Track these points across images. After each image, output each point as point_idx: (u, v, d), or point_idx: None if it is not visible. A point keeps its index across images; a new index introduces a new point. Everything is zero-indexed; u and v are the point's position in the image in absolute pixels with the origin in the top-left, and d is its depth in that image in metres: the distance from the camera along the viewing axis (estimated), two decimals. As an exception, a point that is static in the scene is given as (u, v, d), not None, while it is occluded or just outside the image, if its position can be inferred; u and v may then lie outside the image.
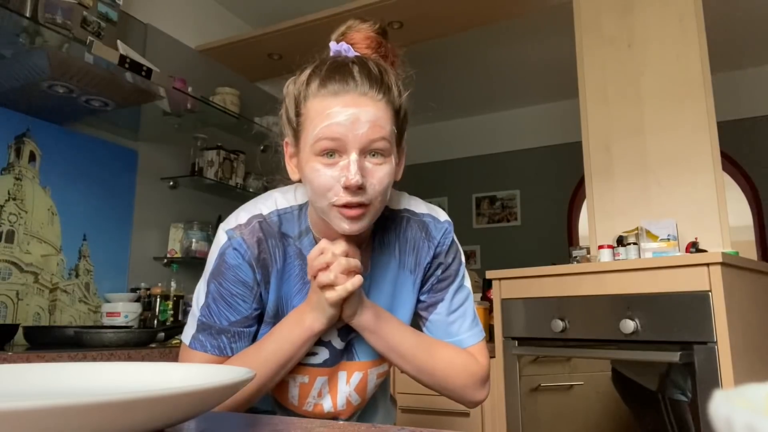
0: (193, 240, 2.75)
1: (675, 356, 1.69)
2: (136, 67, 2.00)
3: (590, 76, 2.53)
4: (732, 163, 4.03)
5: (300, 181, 0.96)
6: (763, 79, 4.03)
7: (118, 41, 2.14)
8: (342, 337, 1.03)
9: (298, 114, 0.92)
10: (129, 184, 2.64)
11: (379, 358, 1.06)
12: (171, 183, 2.82)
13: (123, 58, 1.96)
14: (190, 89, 2.49)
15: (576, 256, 2.33)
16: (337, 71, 0.89)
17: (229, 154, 2.92)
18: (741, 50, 3.79)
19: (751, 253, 3.78)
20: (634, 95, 2.42)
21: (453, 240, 1.09)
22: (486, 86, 4.36)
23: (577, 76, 2.56)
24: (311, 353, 1.02)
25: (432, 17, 2.78)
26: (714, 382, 1.67)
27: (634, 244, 2.17)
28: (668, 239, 2.16)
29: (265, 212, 0.98)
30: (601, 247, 2.22)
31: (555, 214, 4.57)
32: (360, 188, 0.86)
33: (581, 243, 4.22)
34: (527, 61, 3.96)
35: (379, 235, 1.06)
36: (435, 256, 1.07)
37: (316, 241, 0.99)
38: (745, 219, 4.21)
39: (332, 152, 0.87)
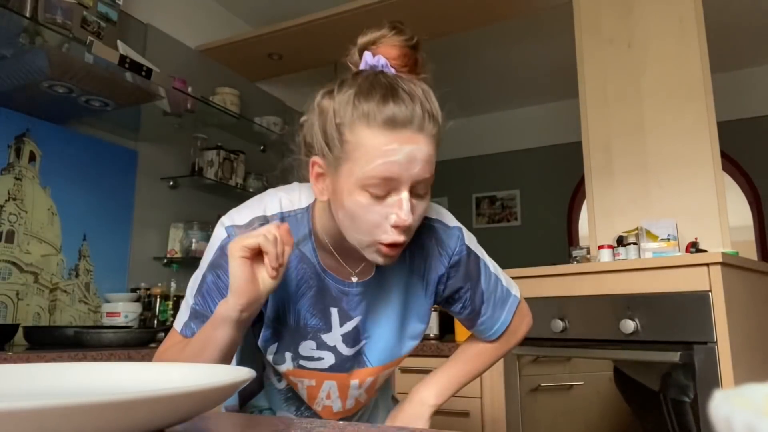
0: (193, 240, 2.75)
1: (675, 356, 1.69)
2: (136, 67, 2.00)
3: (590, 76, 2.53)
4: (732, 163, 4.03)
5: (327, 200, 0.91)
6: (763, 79, 4.03)
7: (118, 41, 2.14)
8: (348, 343, 1.01)
9: (342, 140, 0.85)
10: (129, 184, 2.64)
11: (391, 361, 1.06)
12: (171, 183, 2.82)
13: (123, 58, 1.96)
14: (190, 89, 2.49)
15: (576, 256, 2.33)
16: (391, 99, 0.83)
17: (229, 154, 2.93)
18: (741, 50, 3.79)
19: (751, 253, 3.78)
20: (634, 95, 2.42)
21: (469, 248, 1.07)
22: (486, 86, 4.36)
23: (577, 76, 2.56)
24: (316, 358, 1.00)
25: (432, 17, 2.78)
26: (714, 382, 1.67)
27: (634, 244, 2.17)
28: (668, 239, 2.16)
29: (268, 213, 0.95)
30: (601, 247, 2.22)
31: (555, 214, 4.57)
32: (409, 225, 0.84)
33: (581, 243, 4.22)
34: (527, 61, 3.96)
35: None
36: (452, 267, 1.05)
37: (316, 249, 0.97)
38: (745, 219, 4.21)
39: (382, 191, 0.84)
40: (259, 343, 1.00)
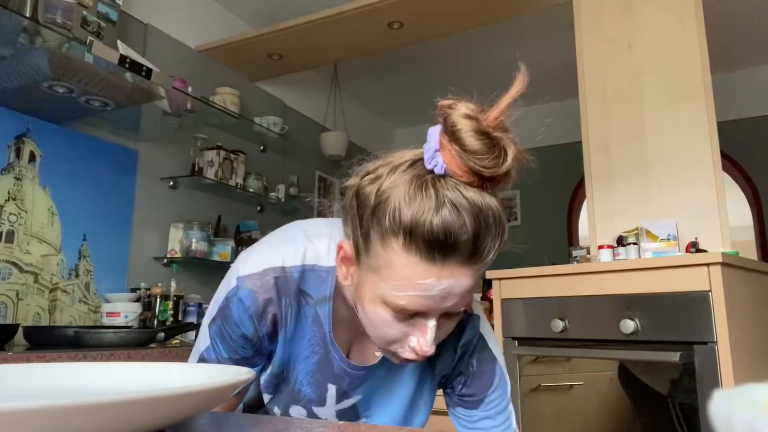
0: (193, 240, 2.75)
1: (675, 356, 1.69)
2: (136, 67, 2.00)
3: (590, 76, 2.53)
4: (732, 163, 4.03)
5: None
6: (763, 79, 4.03)
7: (118, 41, 2.14)
8: (344, 419, 0.94)
9: (371, 249, 0.73)
10: (129, 184, 2.64)
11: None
12: (171, 183, 2.82)
13: (123, 58, 1.96)
14: (190, 89, 2.50)
15: (576, 256, 2.33)
16: (441, 222, 0.67)
17: (229, 154, 2.93)
18: (741, 50, 3.79)
19: (751, 253, 3.78)
20: (634, 95, 2.42)
21: (481, 337, 0.94)
22: (486, 86, 4.35)
23: (577, 76, 2.56)
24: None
25: (432, 17, 2.78)
26: (714, 382, 1.67)
27: (634, 244, 2.17)
28: (668, 239, 2.16)
29: (287, 264, 0.84)
30: (601, 247, 2.22)
31: (555, 214, 4.57)
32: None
33: (581, 243, 4.22)
34: (527, 61, 3.95)
35: None
36: (460, 359, 0.93)
37: (332, 318, 0.87)
38: (745, 219, 4.21)
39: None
40: (261, 382, 0.95)
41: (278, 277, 0.83)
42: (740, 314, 1.79)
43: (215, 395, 0.39)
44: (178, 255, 2.73)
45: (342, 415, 0.93)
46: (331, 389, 0.90)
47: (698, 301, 1.73)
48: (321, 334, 0.87)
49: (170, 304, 2.49)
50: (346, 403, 0.92)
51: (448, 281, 0.69)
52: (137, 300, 2.40)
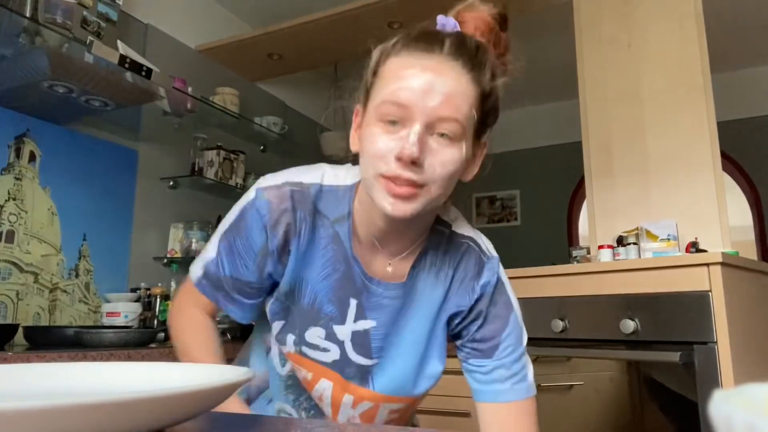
0: (193, 240, 2.75)
1: (675, 356, 1.69)
2: (136, 67, 2.00)
3: (590, 76, 2.53)
4: (732, 163, 4.03)
5: (357, 155, 0.84)
6: (763, 79, 4.03)
7: (118, 41, 2.14)
8: (357, 347, 0.91)
9: (375, 73, 0.82)
10: (129, 184, 2.64)
11: (399, 396, 0.94)
12: (171, 183, 2.82)
13: (123, 58, 1.96)
14: (190, 89, 2.49)
15: (576, 256, 2.33)
16: (428, 34, 0.79)
17: (229, 154, 2.93)
18: (741, 50, 3.79)
19: (751, 253, 3.78)
20: (634, 95, 2.42)
21: (499, 280, 0.93)
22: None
23: (577, 76, 2.56)
24: (321, 348, 0.91)
25: (432, 18, 2.77)
26: (714, 382, 1.67)
27: (634, 244, 2.17)
28: (668, 239, 2.16)
29: (305, 181, 0.88)
30: (601, 247, 2.22)
31: (555, 214, 4.57)
32: (415, 163, 0.75)
33: (581, 243, 4.22)
34: (527, 61, 3.96)
35: (432, 254, 0.92)
36: (479, 299, 0.91)
37: (352, 233, 0.88)
38: (745, 219, 4.21)
39: (395, 121, 0.76)
40: (267, 313, 0.95)
41: (295, 190, 0.87)
42: (740, 314, 1.79)
43: (215, 395, 0.39)
44: (178, 255, 2.73)
45: (356, 337, 0.91)
46: (353, 304, 0.90)
47: (698, 301, 1.73)
48: (341, 251, 0.88)
49: (170, 304, 2.49)
50: (361, 324, 0.90)
51: (431, 74, 0.75)
52: (137, 300, 2.40)
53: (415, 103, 0.74)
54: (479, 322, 0.91)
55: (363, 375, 0.92)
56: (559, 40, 3.47)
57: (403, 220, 0.79)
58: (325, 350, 0.91)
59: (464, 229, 0.95)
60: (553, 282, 2.04)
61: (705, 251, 2.01)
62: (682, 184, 2.26)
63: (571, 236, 4.50)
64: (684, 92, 2.31)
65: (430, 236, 0.92)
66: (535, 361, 2.02)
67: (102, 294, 2.43)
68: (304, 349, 0.91)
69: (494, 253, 0.94)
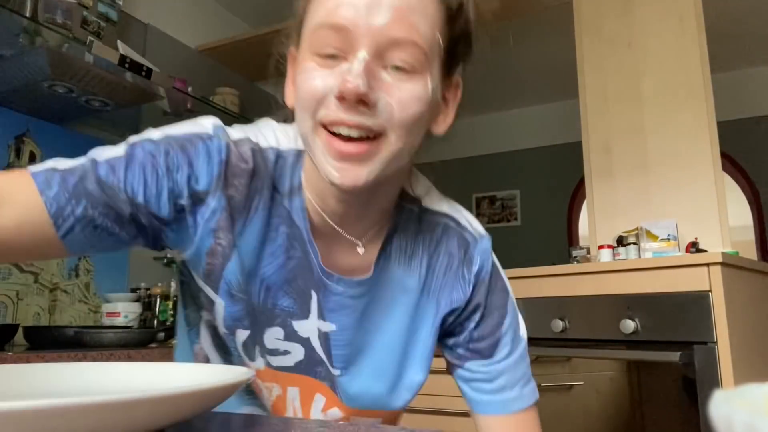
0: (193, 240, 2.74)
1: (675, 356, 1.69)
2: (136, 67, 2.00)
3: (590, 76, 2.54)
4: (732, 163, 4.03)
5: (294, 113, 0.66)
6: (763, 79, 4.03)
7: (118, 41, 2.14)
8: (324, 351, 0.72)
9: (307, 12, 0.63)
10: (129, 184, 2.63)
11: (374, 409, 0.76)
12: (171, 183, 2.82)
13: (123, 58, 1.96)
14: (190, 89, 2.49)
15: (576, 256, 2.33)
16: None
17: (229, 154, 2.92)
18: (741, 50, 3.79)
19: (751, 253, 3.78)
20: (634, 95, 2.42)
21: (494, 264, 0.78)
22: (486, 86, 4.36)
23: (577, 76, 2.56)
24: (281, 351, 0.72)
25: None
26: (714, 382, 1.67)
27: (634, 244, 2.17)
28: (668, 239, 2.16)
29: (262, 144, 0.69)
30: (601, 247, 2.22)
31: (555, 214, 4.57)
32: (363, 102, 0.56)
33: (581, 243, 4.22)
34: (527, 61, 3.96)
35: (401, 237, 0.74)
36: (476, 289, 0.75)
37: (307, 210, 0.69)
38: (745, 219, 4.21)
39: (335, 54, 0.58)
40: (224, 324, 0.71)
41: (256, 151, 0.68)
42: (740, 314, 1.79)
43: (215, 395, 0.39)
44: (178, 255, 2.73)
45: (321, 338, 0.72)
46: (314, 297, 0.71)
47: (698, 301, 1.73)
48: (296, 232, 0.69)
49: (170, 304, 2.49)
50: (323, 325, 0.72)
51: None
52: (137, 300, 2.40)
53: (357, 24, 0.56)
54: (477, 316, 0.75)
55: (332, 380, 0.74)
56: (559, 40, 3.48)
57: (359, 195, 0.63)
58: (285, 353, 0.72)
59: (438, 203, 0.77)
60: (553, 282, 2.04)
61: (705, 251, 2.01)
62: (682, 184, 2.26)
63: (571, 236, 4.51)
64: (684, 92, 2.31)
65: (396, 215, 0.74)
66: (535, 361, 2.02)
67: (102, 294, 2.43)
68: (269, 359, 0.72)
69: (482, 231, 0.78)
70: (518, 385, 0.76)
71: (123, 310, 2.23)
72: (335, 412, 0.76)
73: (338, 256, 0.71)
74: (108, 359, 1.60)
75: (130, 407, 0.32)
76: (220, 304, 0.69)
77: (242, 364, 0.73)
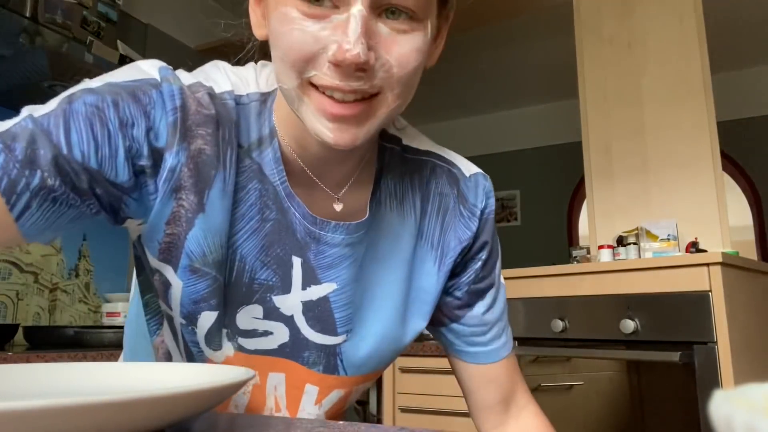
0: (193, 240, 2.75)
1: (675, 356, 1.70)
2: (136, 67, 2.00)
3: (590, 76, 2.54)
4: (732, 163, 4.03)
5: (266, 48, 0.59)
6: (763, 79, 4.03)
7: (118, 41, 2.14)
8: (314, 323, 0.64)
9: None
10: (129, 184, 2.64)
11: (373, 372, 0.70)
12: (171, 183, 2.82)
13: (123, 58, 1.96)
14: (190, 89, 2.49)
15: (576, 256, 2.34)
16: None
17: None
18: (741, 50, 3.80)
19: (751, 253, 3.78)
20: (634, 95, 2.42)
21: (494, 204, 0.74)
22: (486, 86, 4.36)
23: (578, 76, 2.57)
24: (260, 332, 0.63)
25: (432, 17, 2.78)
26: (714, 382, 1.67)
27: (634, 244, 2.17)
28: (668, 239, 2.16)
29: (217, 90, 0.59)
30: (601, 247, 2.22)
31: (555, 214, 4.57)
32: (362, 69, 0.50)
33: (581, 243, 4.22)
34: (527, 61, 3.96)
35: (389, 180, 0.67)
36: (484, 226, 0.70)
37: (283, 158, 0.61)
38: (745, 219, 4.21)
39: None
40: (181, 312, 0.60)
41: (213, 96, 0.58)
42: (740, 314, 1.79)
43: (215, 395, 0.39)
44: (178, 255, 2.73)
45: (309, 309, 0.64)
46: (297, 264, 0.62)
47: (698, 301, 1.73)
48: (269, 189, 0.60)
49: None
50: (315, 291, 0.63)
51: None
52: (137, 300, 2.40)
53: None
54: (484, 255, 0.71)
55: (328, 358, 0.66)
56: (559, 40, 3.48)
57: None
58: (266, 333, 0.63)
59: (420, 141, 0.72)
60: (553, 282, 2.04)
61: (705, 251, 2.02)
62: (682, 184, 2.27)
63: (571, 236, 4.51)
64: (684, 92, 2.32)
65: (380, 157, 0.67)
66: (535, 361, 2.02)
67: (102, 294, 2.43)
68: (241, 341, 0.63)
69: (477, 168, 0.73)
70: (506, 332, 0.75)
71: (123, 310, 2.23)
72: (332, 396, 0.68)
73: (324, 204, 0.63)
74: (108, 359, 1.60)
75: (130, 407, 0.32)
76: (178, 286, 0.59)
77: (202, 360, 0.63)
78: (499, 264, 0.74)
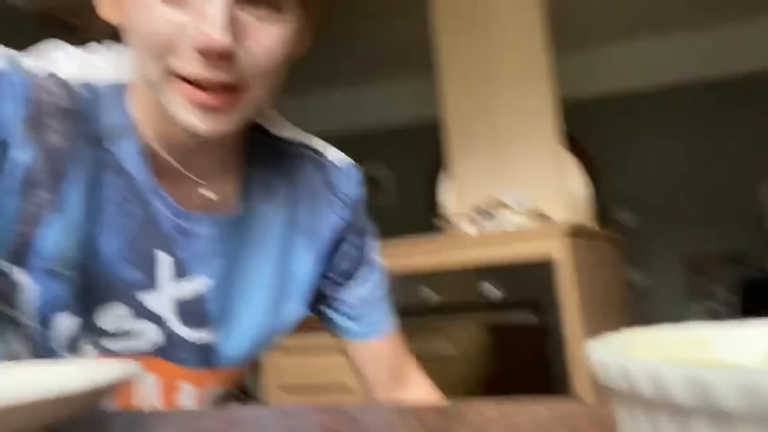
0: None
1: (534, 319, 1.85)
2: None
3: (447, 56, 2.63)
4: (571, 140, 4.36)
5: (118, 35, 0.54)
6: (607, 58, 4.37)
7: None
8: (188, 319, 0.61)
9: None
10: None
11: (252, 359, 0.70)
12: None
13: None
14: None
15: (438, 228, 2.44)
16: None
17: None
18: (590, 30, 4.06)
19: (591, 221, 4.14)
20: (486, 76, 2.55)
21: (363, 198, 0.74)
22: (346, 61, 4.37)
23: (435, 56, 2.65)
24: (130, 333, 0.59)
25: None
26: (564, 340, 1.84)
27: (491, 215, 2.30)
28: (520, 210, 2.32)
29: (64, 77, 0.55)
30: (460, 218, 2.34)
31: (417, 188, 4.72)
32: (226, 56, 0.48)
33: (443, 215, 4.40)
34: (381, 38, 4.01)
35: (258, 169, 0.66)
36: (353, 219, 0.71)
37: (144, 153, 0.58)
38: (584, 189, 4.60)
39: None
40: (37, 315, 0.56)
41: (64, 86, 0.54)
42: (585, 277, 1.97)
43: (83, 399, 0.37)
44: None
45: (185, 311, 0.61)
46: (163, 259, 0.59)
47: (547, 267, 1.89)
48: (129, 183, 0.57)
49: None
50: (185, 287, 0.61)
51: None
52: None
53: None
54: (357, 241, 0.72)
55: (204, 354, 0.64)
56: (417, 18, 3.55)
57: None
58: (135, 333, 0.60)
59: (286, 129, 0.70)
60: (419, 253, 2.11)
61: (551, 220, 2.19)
62: (531, 159, 2.44)
63: (432, 209, 4.68)
64: (529, 73, 2.48)
65: (247, 145, 0.66)
66: (409, 335, 2.05)
67: None
68: (105, 343, 0.59)
69: (346, 158, 0.73)
70: (387, 310, 0.76)
71: None
72: (210, 392, 0.67)
73: (193, 195, 0.61)
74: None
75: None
76: (29, 288, 0.54)
77: (69, 352, 0.59)
78: (374, 245, 0.75)
